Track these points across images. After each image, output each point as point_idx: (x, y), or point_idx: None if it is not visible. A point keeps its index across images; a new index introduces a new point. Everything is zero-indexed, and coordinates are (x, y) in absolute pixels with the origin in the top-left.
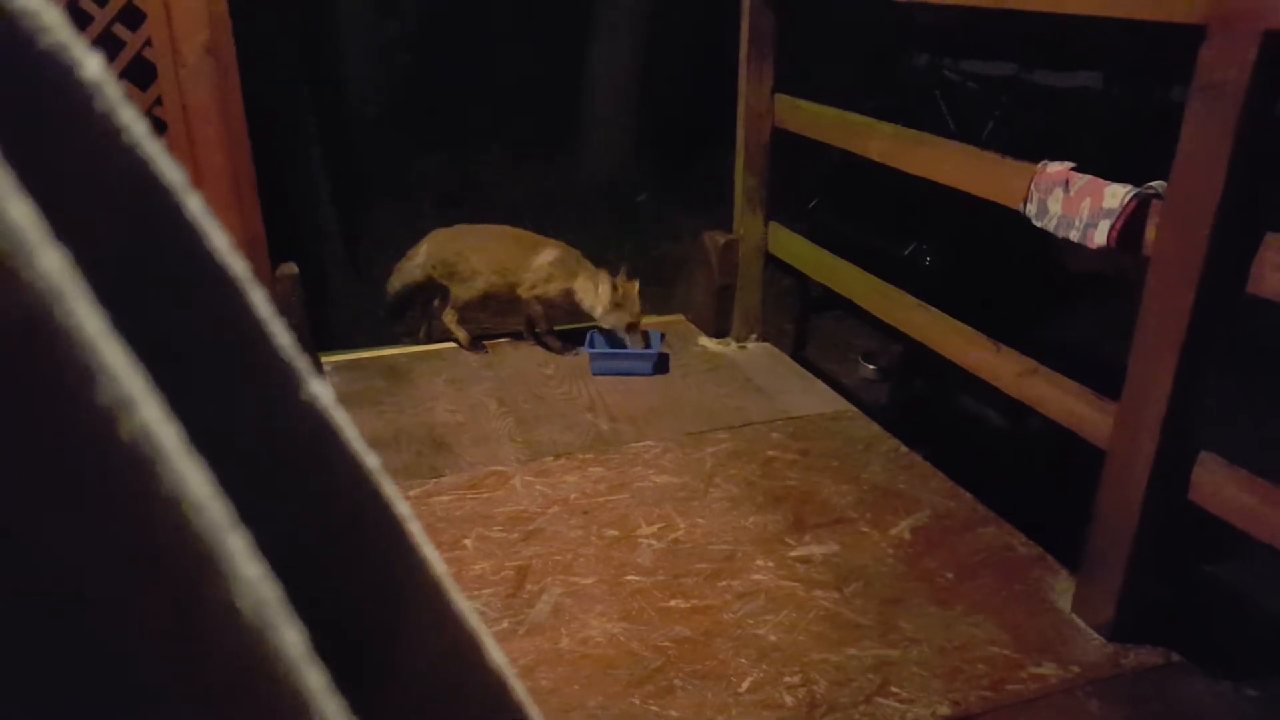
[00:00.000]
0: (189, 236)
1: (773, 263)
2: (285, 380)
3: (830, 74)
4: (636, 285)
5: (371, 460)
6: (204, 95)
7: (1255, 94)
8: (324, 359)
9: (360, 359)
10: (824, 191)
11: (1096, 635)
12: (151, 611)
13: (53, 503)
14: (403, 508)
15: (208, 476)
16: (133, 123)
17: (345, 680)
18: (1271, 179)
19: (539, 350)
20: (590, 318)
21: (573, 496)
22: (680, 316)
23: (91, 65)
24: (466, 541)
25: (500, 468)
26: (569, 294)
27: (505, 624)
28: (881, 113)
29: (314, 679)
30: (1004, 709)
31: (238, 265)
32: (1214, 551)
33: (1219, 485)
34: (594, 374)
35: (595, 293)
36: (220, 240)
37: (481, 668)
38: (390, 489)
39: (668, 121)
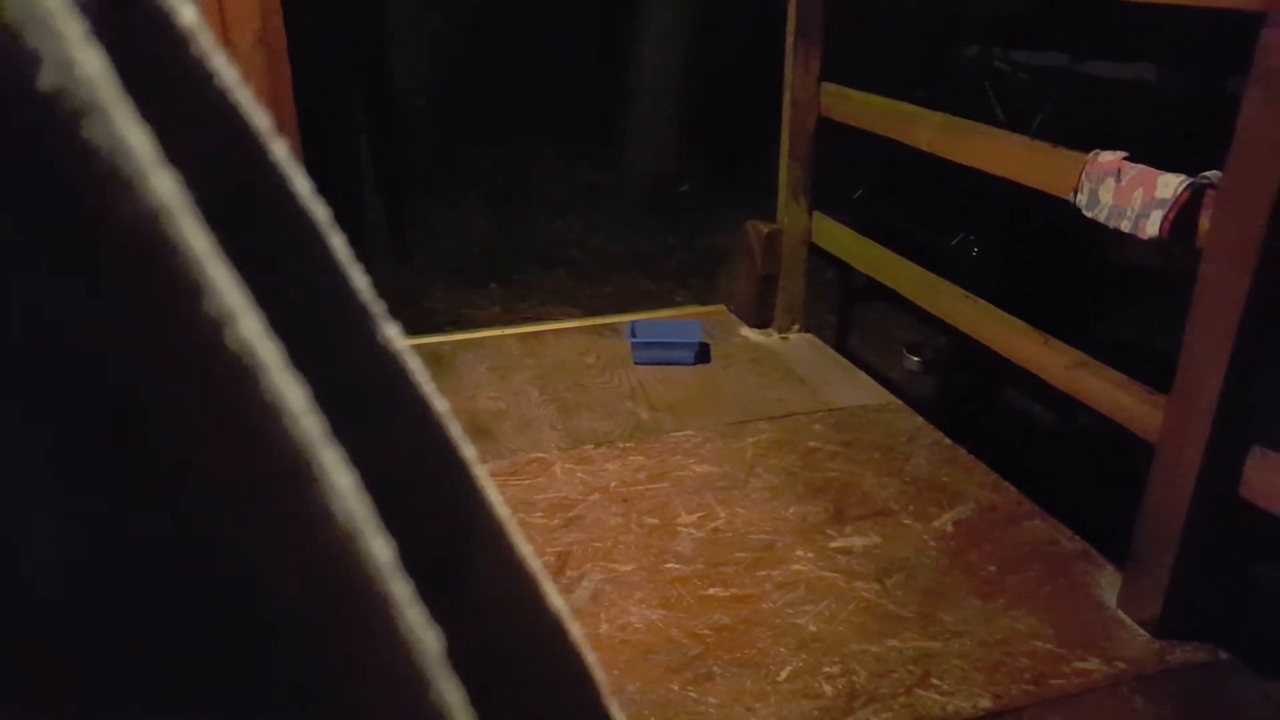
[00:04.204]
0: (276, 178)
1: (816, 253)
2: (364, 320)
3: (878, 63)
4: None
5: (440, 404)
6: (255, 84)
7: None
8: None
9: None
10: (870, 182)
11: (1142, 631)
12: (253, 509)
13: (165, 399)
14: (469, 451)
15: (304, 393)
16: (224, 69)
17: (424, 597)
18: None
19: (580, 339)
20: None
21: (613, 484)
22: (721, 307)
23: (187, 13)
24: None
25: (541, 455)
26: None
27: None
28: (930, 103)
29: (399, 588)
30: (1047, 704)
31: (319, 210)
32: (1265, 549)
33: (1270, 481)
34: (635, 363)
35: None
36: (303, 185)
37: (541, 608)
38: (458, 432)
39: (713, 114)
